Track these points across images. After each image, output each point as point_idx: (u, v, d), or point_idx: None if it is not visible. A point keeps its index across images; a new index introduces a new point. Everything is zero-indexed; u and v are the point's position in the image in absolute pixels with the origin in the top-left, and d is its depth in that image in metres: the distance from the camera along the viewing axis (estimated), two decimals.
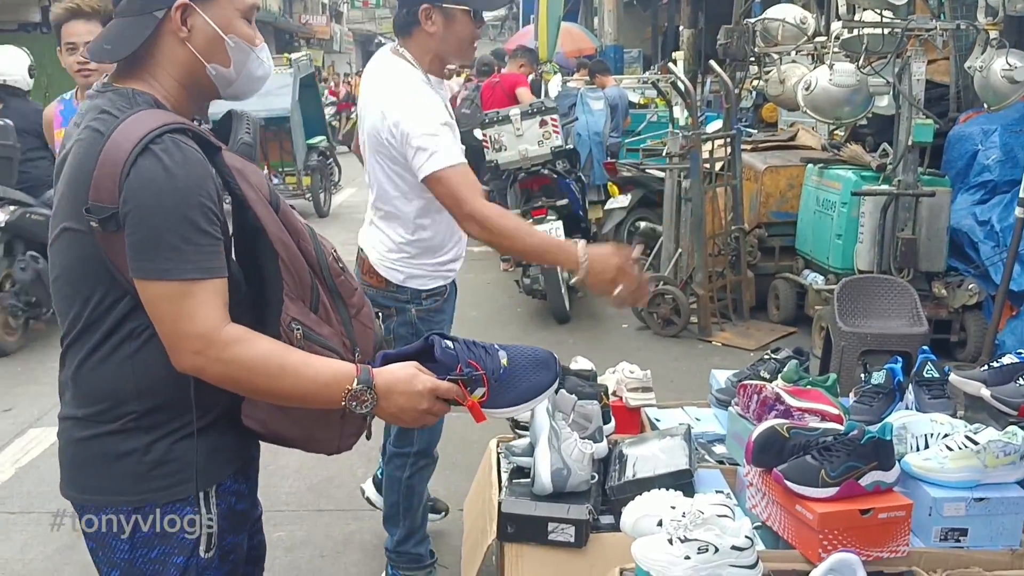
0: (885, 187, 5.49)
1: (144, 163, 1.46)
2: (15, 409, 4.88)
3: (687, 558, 2.07)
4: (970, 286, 5.50)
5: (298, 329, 1.59)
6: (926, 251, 5.51)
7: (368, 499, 3.63)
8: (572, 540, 2.49)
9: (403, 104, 2.68)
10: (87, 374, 1.59)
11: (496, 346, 1.74)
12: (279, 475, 3.98)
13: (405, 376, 1.61)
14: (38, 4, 16.59)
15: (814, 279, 6.08)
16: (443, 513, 3.66)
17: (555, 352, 3.54)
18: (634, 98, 11.73)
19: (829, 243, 5.92)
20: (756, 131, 8.75)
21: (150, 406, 1.58)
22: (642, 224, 7.58)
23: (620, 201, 7.80)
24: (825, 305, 5.77)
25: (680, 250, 6.39)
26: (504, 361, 1.71)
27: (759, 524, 2.50)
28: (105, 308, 1.55)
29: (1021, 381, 3.04)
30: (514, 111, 6.13)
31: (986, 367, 3.23)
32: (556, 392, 2.87)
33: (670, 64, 7.84)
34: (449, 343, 1.69)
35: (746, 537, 2.10)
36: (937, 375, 3.02)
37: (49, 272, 1.63)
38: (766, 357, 3.33)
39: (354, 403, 1.57)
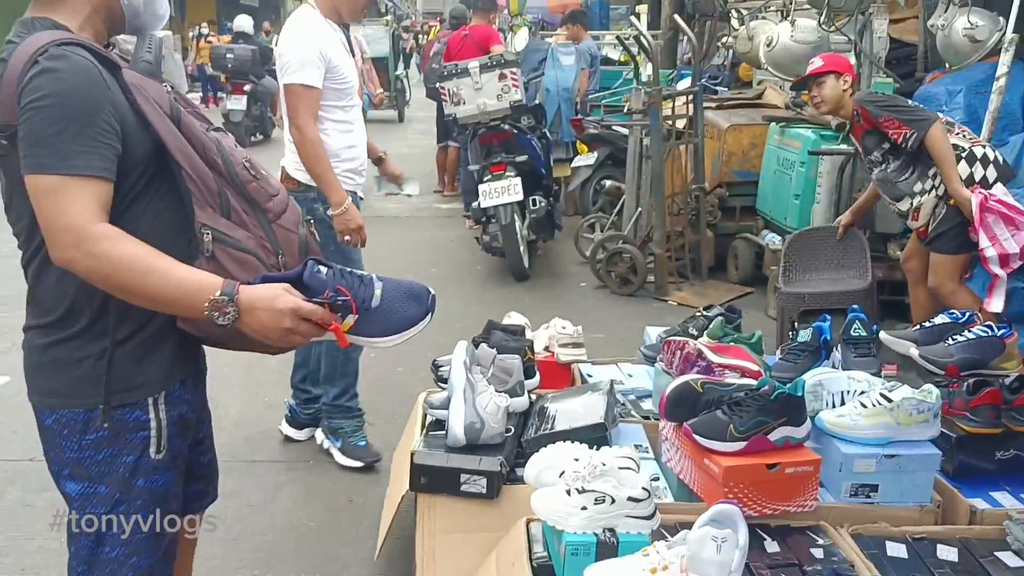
0: (843, 147, 5.44)
1: (32, 72, 1.57)
2: None
3: (583, 508, 2.06)
4: None
5: (207, 233, 1.68)
6: (882, 212, 5.48)
7: (287, 436, 3.92)
8: (484, 491, 2.49)
9: (285, 36, 3.40)
10: (43, 285, 1.72)
11: (374, 277, 1.76)
12: (216, 427, 3.95)
13: (269, 295, 1.63)
14: None
15: (771, 239, 6.05)
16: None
17: (512, 309, 3.55)
18: (615, 55, 11.61)
19: (787, 203, 5.88)
20: (728, 90, 8.67)
21: (98, 314, 1.70)
22: (608, 182, 7.52)
23: (586, 159, 7.73)
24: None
25: (640, 209, 6.35)
26: (378, 291, 1.72)
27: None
28: None
29: (950, 341, 3.04)
30: (472, 64, 6.02)
31: (918, 327, 3.24)
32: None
33: (632, 18, 7.73)
34: (323, 268, 1.71)
35: (643, 489, 2.10)
36: (864, 334, 3.02)
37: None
38: (697, 314, 3.32)
39: (216, 313, 1.60)
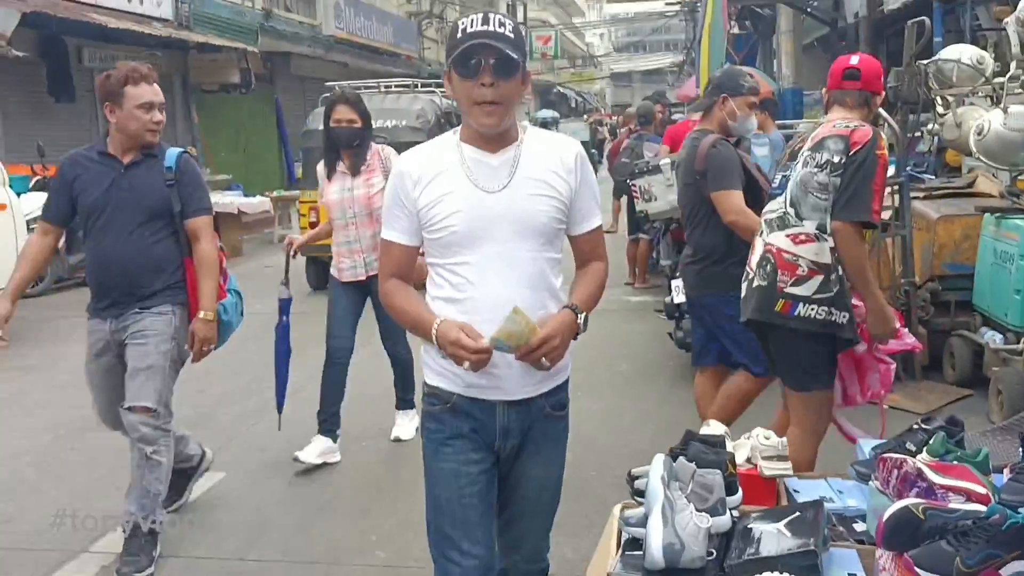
0: None
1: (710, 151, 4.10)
2: None
3: None
4: None
5: None
6: None
7: None
8: None
9: None
10: (707, 238, 4.26)
11: None
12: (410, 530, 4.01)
13: None
14: (237, 67, 17.88)
15: (992, 337, 5.63)
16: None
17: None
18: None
19: (1008, 298, 5.48)
20: (934, 177, 8.27)
21: None
22: None
23: None
24: (1004, 366, 5.33)
25: None
26: None
27: None
28: None
29: None
30: (664, 161, 6.03)
31: None
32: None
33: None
34: None
35: None
36: None
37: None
38: (914, 427, 3.09)
39: None
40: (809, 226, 3.51)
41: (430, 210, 2.41)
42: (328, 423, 5.00)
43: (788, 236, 3.55)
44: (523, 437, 2.51)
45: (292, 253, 5.10)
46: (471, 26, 2.30)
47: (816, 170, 3.52)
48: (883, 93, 3.76)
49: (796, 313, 3.49)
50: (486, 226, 2.39)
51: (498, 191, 2.40)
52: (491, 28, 2.29)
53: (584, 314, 2.46)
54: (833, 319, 3.50)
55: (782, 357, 3.71)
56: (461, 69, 2.32)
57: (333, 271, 5.06)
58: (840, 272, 3.50)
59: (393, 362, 5.33)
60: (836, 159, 3.47)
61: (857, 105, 3.65)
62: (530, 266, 2.42)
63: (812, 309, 3.47)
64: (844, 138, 3.49)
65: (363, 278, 4.95)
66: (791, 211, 3.58)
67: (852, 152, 3.44)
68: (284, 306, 4.89)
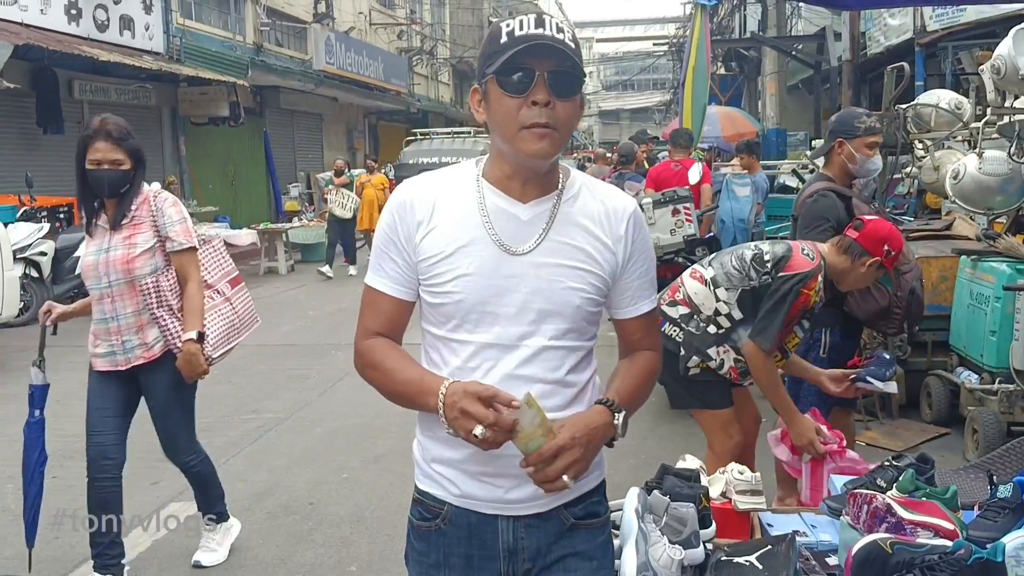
0: None
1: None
2: (162, 483, 5.16)
3: None
4: None
5: None
6: None
7: None
8: None
9: None
10: None
11: None
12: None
13: None
14: (227, 100, 18.00)
15: (967, 377, 5.71)
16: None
17: (686, 446, 3.48)
18: (792, 182, 11.52)
19: (983, 339, 5.56)
20: (913, 219, 8.40)
21: None
22: None
23: None
24: (979, 406, 5.41)
25: None
26: None
27: None
28: None
29: None
30: (645, 200, 6.14)
31: None
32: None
33: (807, 153, 7.67)
34: None
35: None
36: None
37: None
38: (885, 464, 3.15)
39: None
40: (708, 273, 3.78)
41: (433, 265, 1.84)
42: (103, 558, 3.68)
43: (692, 269, 3.89)
44: (544, 558, 1.90)
45: (50, 325, 3.84)
46: (521, 28, 1.75)
47: (752, 249, 3.73)
48: (879, 258, 3.62)
49: (663, 329, 3.73)
50: (499, 299, 1.82)
51: (522, 254, 1.83)
52: (548, 31, 1.74)
53: (623, 413, 1.83)
54: (678, 341, 3.74)
55: (666, 375, 3.84)
56: (506, 82, 1.75)
57: (90, 358, 3.81)
58: (703, 321, 3.72)
59: (187, 476, 4.07)
60: (767, 258, 3.64)
61: (842, 249, 3.69)
62: (549, 357, 1.85)
63: (675, 331, 3.77)
64: (789, 254, 3.62)
65: (123, 367, 3.69)
66: (710, 258, 3.92)
67: (780, 273, 3.58)
68: (36, 396, 3.67)
